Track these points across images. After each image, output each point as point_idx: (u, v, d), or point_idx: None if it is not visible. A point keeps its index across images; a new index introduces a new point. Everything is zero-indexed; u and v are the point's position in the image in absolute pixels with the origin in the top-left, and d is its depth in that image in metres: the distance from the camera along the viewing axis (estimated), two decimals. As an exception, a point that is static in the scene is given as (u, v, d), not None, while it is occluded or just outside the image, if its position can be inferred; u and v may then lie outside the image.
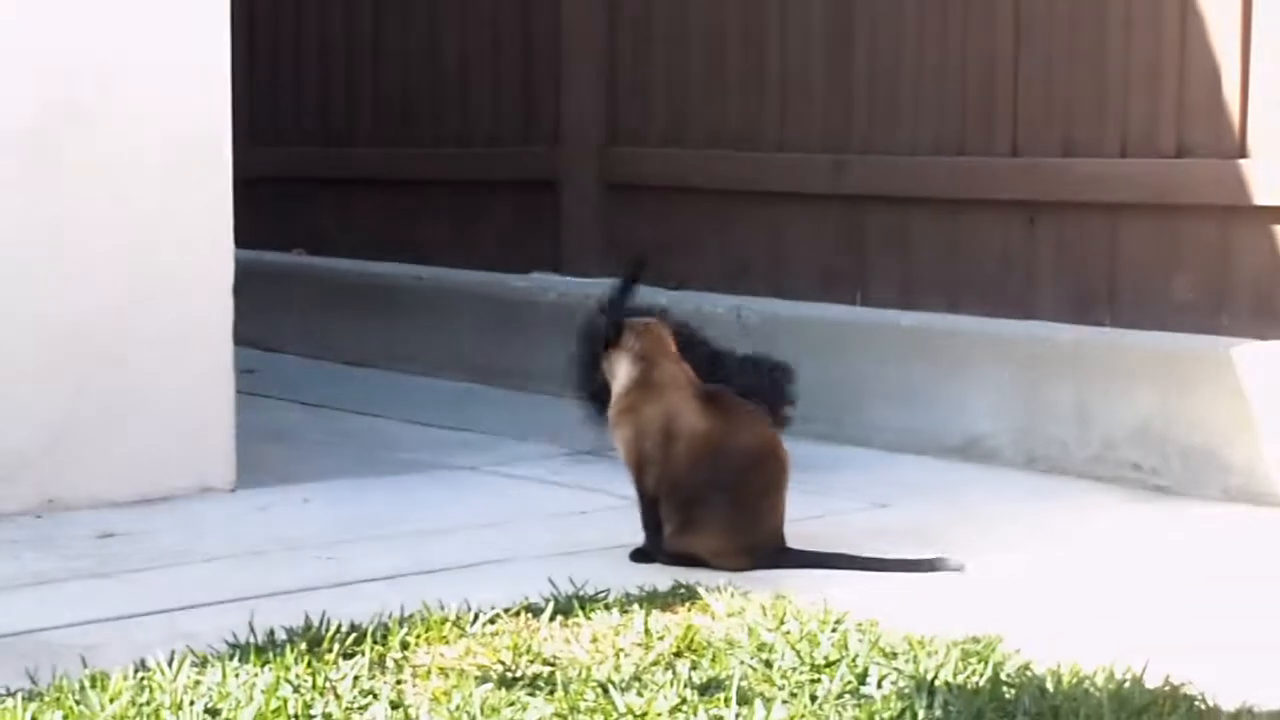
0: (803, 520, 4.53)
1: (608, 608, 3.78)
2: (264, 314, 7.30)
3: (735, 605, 3.81)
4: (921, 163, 6.03)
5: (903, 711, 3.10)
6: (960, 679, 3.27)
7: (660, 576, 4.06)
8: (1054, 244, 5.73)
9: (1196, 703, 3.17)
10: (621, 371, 4.36)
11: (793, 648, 3.45)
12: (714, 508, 4.20)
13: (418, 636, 3.55)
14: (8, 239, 4.76)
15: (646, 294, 6.38)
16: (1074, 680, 3.26)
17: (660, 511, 4.28)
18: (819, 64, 6.30)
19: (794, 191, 6.37)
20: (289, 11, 8.44)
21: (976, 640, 3.51)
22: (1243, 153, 5.29)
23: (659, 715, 3.07)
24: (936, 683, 3.23)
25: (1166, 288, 5.47)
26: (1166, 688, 3.22)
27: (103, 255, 4.88)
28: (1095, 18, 5.59)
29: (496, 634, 3.60)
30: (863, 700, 3.19)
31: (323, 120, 8.31)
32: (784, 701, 3.16)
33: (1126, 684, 3.23)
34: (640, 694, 3.19)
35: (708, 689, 3.23)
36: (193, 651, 3.39)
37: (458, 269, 7.38)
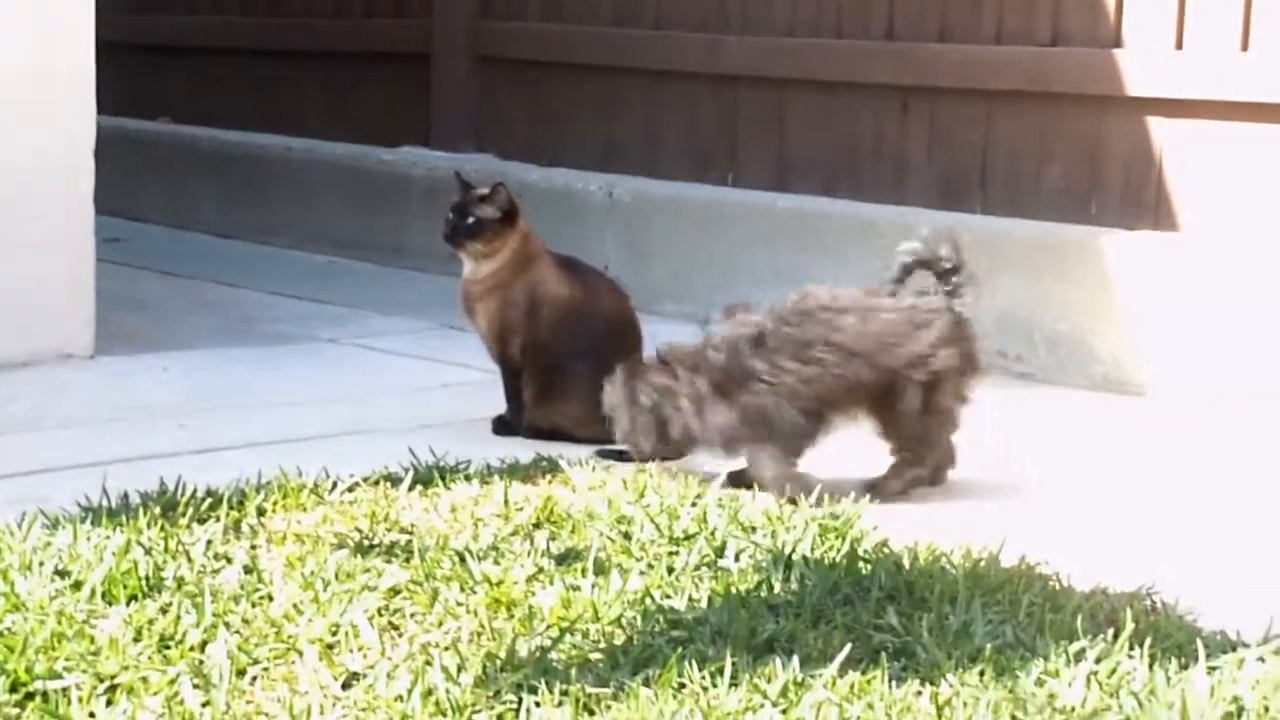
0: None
1: (468, 479, 3.77)
2: (130, 183, 7.20)
3: (596, 479, 3.80)
4: (797, 44, 6.00)
5: (759, 584, 3.10)
6: (817, 554, 3.27)
7: (522, 450, 4.05)
8: (927, 130, 5.72)
9: (1051, 582, 3.18)
10: (502, 244, 4.32)
11: (652, 520, 3.44)
12: (576, 376, 4.19)
13: (275, 503, 3.51)
14: None
15: (517, 170, 6.36)
16: (930, 558, 3.27)
17: (523, 383, 4.28)
18: (698, -59, 6.25)
19: (670, 70, 6.33)
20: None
21: (835, 516, 3.51)
22: (1117, 43, 5.29)
23: (515, 584, 3.05)
24: (794, 556, 3.23)
25: (1038, 176, 5.48)
26: (1022, 567, 3.24)
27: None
28: (974, -97, 5.58)
29: (355, 503, 3.57)
30: (720, 572, 3.19)
31: (193, -13, 8.17)
32: (641, 573, 3.16)
33: (982, 563, 3.25)
34: (497, 563, 3.17)
35: (565, 559, 3.22)
36: (44, 514, 3.33)
37: (327, 141, 7.29)
